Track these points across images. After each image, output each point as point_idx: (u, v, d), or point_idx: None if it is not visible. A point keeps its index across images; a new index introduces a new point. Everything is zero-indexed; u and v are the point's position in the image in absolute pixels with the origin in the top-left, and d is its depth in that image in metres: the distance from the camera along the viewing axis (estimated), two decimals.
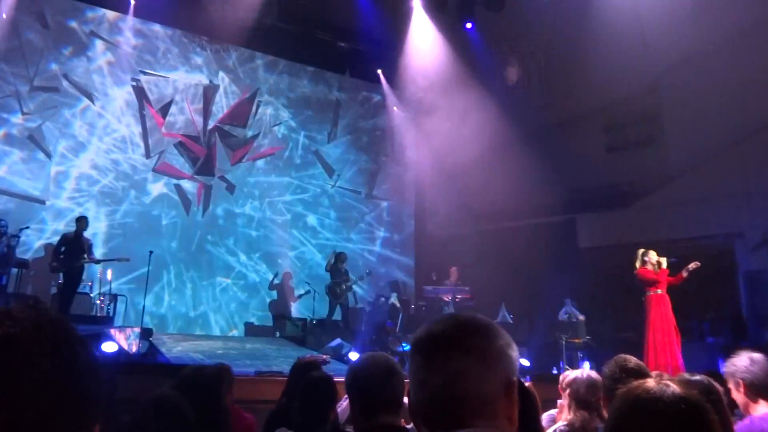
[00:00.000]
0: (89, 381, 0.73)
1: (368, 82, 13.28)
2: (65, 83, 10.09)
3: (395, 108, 13.37)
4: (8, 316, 0.70)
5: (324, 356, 6.43)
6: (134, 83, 10.77)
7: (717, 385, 2.69)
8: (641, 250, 7.60)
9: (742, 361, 2.66)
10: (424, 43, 12.62)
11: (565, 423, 2.92)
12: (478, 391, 1.02)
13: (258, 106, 12.03)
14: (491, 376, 1.03)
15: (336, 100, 13.07)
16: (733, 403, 3.71)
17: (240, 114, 11.80)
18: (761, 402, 2.60)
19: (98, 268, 9.19)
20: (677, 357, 7.19)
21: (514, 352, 1.09)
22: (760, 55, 9.96)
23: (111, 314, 8.89)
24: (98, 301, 8.96)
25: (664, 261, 7.44)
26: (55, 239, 8.81)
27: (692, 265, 7.22)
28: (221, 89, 11.63)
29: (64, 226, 9.51)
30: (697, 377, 2.49)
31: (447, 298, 10.51)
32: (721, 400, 2.27)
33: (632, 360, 2.74)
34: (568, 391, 2.99)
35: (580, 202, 12.06)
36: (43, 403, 0.67)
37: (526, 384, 2.38)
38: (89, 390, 0.73)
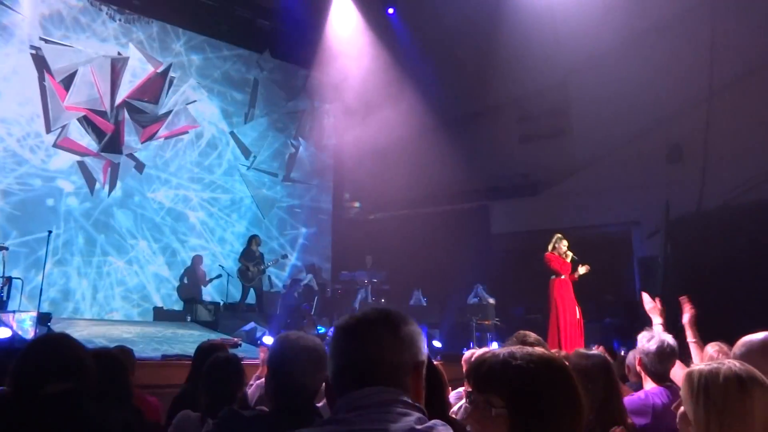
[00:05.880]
0: None
1: (288, 63, 13.02)
2: None
3: (315, 90, 13.20)
4: None
5: (235, 339, 6.31)
6: (33, 51, 10.01)
7: (609, 358, 2.90)
8: (558, 235, 7.99)
9: (644, 341, 2.84)
10: (346, 26, 12.53)
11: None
12: (389, 359, 1.13)
13: (171, 82, 11.51)
14: (403, 349, 1.15)
15: (254, 80, 12.73)
16: (624, 377, 3.99)
17: (151, 89, 11.24)
18: (650, 380, 2.80)
19: None
20: (579, 336, 7.63)
21: (422, 340, 1.21)
22: (658, 55, 10.60)
23: (4, 298, 8.28)
24: None
25: (570, 256, 7.88)
26: None
27: (583, 270, 7.81)
28: (131, 62, 11.02)
29: None
30: (593, 352, 2.67)
31: (363, 282, 10.58)
32: (612, 371, 2.48)
33: (531, 336, 2.86)
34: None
35: (494, 190, 12.44)
36: None
37: (435, 363, 2.44)
38: None
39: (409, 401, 1.11)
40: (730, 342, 2.69)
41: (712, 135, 9.53)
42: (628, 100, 10.82)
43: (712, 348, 3.26)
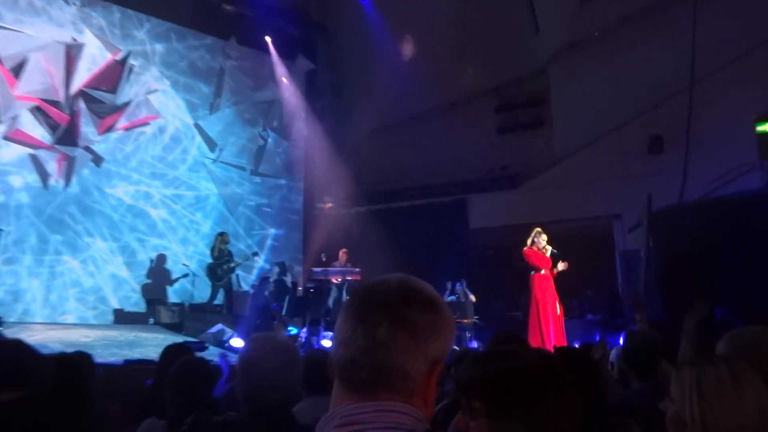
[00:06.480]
0: None
1: (255, 50, 12.87)
2: None
3: (284, 79, 13.10)
4: None
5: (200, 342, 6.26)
6: None
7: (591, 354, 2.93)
8: (537, 229, 8.06)
9: (630, 338, 2.87)
10: (313, 12, 12.46)
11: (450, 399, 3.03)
12: (399, 365, 1.01)
13: (130, 71, 11.29)
14: (418, 352, 1.03)
15: (220, 68, 12.56)
16: (607, 374, 4.05)
17: (109, 78, 10.99)
18: (636, 379, 2.83)
19: None
20: (560, 333, 7.73)
21: (451, 333, 1.08)
22: (639, 43, 10.76)
23: None
24: None
25: (549, 250, 7.95)
26: None
27: (562, 267, 7.86)
28: (89, 49, 10.77)
29: None
30: (574, 348, 2.69)
31: (336, 279, 10.55)
32: (594, 367, 2.50)
33: (512, 335, 2.88)
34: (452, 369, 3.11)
35: (471, 183, 12.51)
36: None
37: None
38: None
39: (414, 417, 1.02)
40: (714, 340, 2.74)
41: (694, 125, 9.71)
42: (609, 89, 10.97)
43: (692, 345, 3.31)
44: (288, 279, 11.12)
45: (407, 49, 12.64)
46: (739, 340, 1.95)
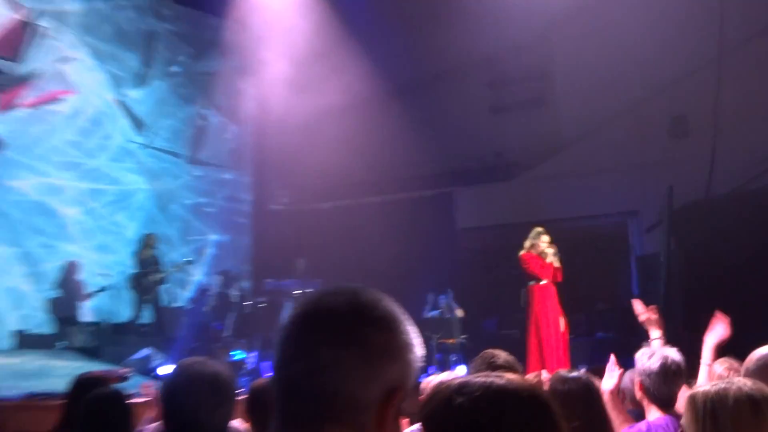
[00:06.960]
0: None
1: (194, 9, 12.81)
2: None
3: (230, 47, 13.02)
4: None
5: (122, 370, 6.22)
6: None
7: (597, 381, 2.95)
8: (537, 229, 8.09)
9: (643, 359, 2.90)
10: None
11: None
12: (348, 392, 1.03)
13: (39, 34, 11.14)
14: (370, 377, 1.04)
15: (150, 32, 12.46)
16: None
17: (10, 42, 10.85)
18: (653, 407, 2.86)
19: None
20: (563, 354, 7.78)
21: (410, 355, 1.09)
22: (659, 7, 10.86)
23: None
24: None
25: (550, 254, 7.95)
26: None
27: (551, 252, 7.94)
28: None
29: None
30: (575, 374, 2.71)
31: (294, 292, 10.49)
32: (596, 397, 2.52)
33: (501, 356, 2.89)
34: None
35: (459, 174, 12.54)
36: None
37: None
38: None
39: None
40: (744, 356, 2.78)
41: (723, 104, 9.85)
42: (623, 62, 11.06)
43: (720, 365, 3.37)
44: (233, 292, 11.05)
45: (383, 11, 12.63)
46: (766, 358, 1.97)
